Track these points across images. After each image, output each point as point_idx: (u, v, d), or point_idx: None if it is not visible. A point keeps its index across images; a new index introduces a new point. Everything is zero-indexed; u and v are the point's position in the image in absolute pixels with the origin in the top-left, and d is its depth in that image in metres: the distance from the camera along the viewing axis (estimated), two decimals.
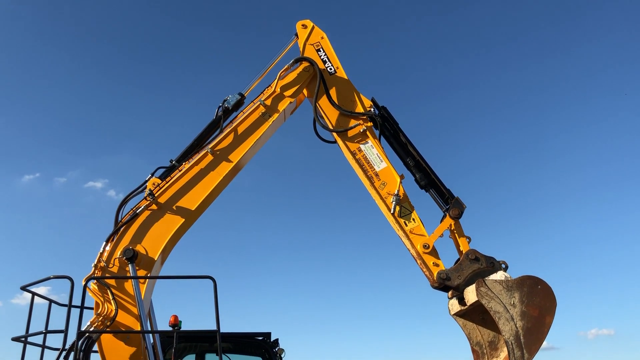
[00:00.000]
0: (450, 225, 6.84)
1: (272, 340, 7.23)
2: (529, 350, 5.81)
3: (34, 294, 5.87)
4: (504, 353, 6.28)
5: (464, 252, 6.61)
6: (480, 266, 6.47)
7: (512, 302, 5.97)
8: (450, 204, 6.94)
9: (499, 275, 6.29)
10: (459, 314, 6.74)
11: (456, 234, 6.84)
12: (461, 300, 6.57)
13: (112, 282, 6.22)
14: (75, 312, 5.56)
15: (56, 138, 27.17)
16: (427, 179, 7.13)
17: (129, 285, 6.26)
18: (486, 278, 6.17)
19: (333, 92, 7.41)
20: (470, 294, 6.24)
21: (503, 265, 6.50)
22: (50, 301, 6.12)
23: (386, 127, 7.42)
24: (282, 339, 7.33)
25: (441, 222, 6.93)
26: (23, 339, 5.77)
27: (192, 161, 6.95)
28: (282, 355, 7.18)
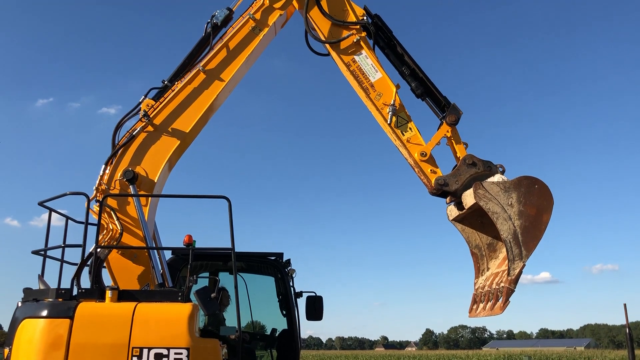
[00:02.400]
0: (447, 132, 6.84)
1: (284, 260, 7.41)
2: (527, 248, 5.97)
3: (51, 210, 5.97)
4: (502, 253, 6.47)
5: (463, 156, 6.65)
6: (477, 170, 6.54)
7: (509, 202, 6.07)
8: (446, 111, 6.92)
9: (497, 178, 6.37)
10: (457, 219, 6.87)
11: (453, 141, 6.86)
12: (459, 205, 6.68)
13: (114, 204, 6.31)
14: (91, 230, 5.67)
15: (71, 63, 26.54)
16: (423, 87, 7.06)
17: (131, 208, 6.36)
18: (484, 180, 6.25)
19: (324, 2, 7.19)
20: (468, 197, 6.35)
21: (500, 169, 6.56)
22: (67, 218, 6.23)
23: (380, 36, 7.26)
24: (293, 260, 7.51)
25: (438, 129, 6.93)
26: (42, 252, 5.93)
27: (185, 80, 6.85)
28: (293, 276, 7.37)
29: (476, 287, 6.70)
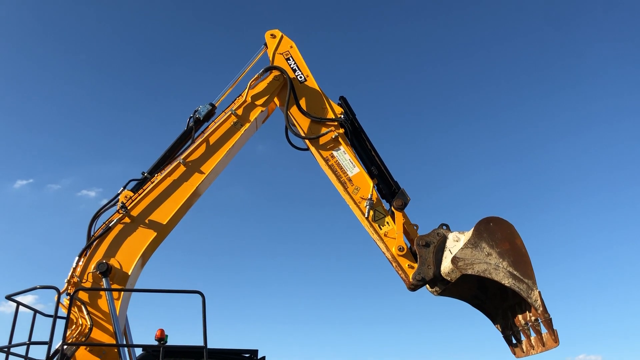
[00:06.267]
0: (402, 218, 6.98)
1: (259, 357, 7.19)
2: (528, 276, 6.14)
3: (19, 303, 5.76)
4: (495, 285, 6.45)
5: (414, 240, 6.80)
6: (434, 244, 6.71)
7: (486, 253, 6.23)
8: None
9: (453, 238, 6.56)
10: (444, 293, 6.87)
11: (405, 226, 7.01)
12: (441, 281, 6.67)
13: (85, 298, 6.15)
14: (59, 324, 5.48)
15: (51, 144, 26.60)
16: (388, 189, 7.27)
17: (102, 302, 6.20)
18: (455, 253, 6.28)
19: (303, 100, 7.47)
20: (453, 273, 6.34)
21: (444, 227, 6.79)
22: (35, 311, 6.02)
23: (355, 134, 7.52)
24: (269, 356, 7.29)
25: (393, 218, 7.03)
26: (6, 349, 5.66)
27: (164, 173, 6.92)
28: None
29: (502, 329, 6.83)
